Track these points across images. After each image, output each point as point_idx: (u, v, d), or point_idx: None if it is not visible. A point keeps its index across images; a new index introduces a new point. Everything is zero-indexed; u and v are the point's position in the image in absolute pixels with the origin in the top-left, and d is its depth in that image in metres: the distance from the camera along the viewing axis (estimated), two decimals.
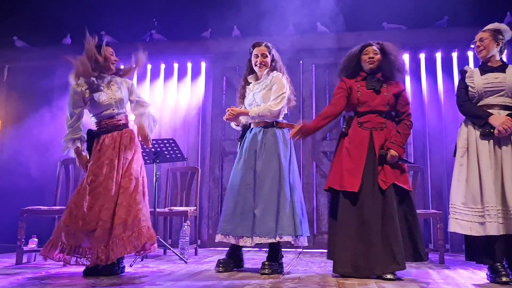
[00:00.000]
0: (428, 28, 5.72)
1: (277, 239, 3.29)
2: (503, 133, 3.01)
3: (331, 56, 5.73)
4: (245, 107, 3.65)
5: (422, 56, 5.70)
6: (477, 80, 3.18)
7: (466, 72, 3.30)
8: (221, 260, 3.46)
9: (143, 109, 3.54)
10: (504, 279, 2.92)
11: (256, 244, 3.31)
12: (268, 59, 3.57)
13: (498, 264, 2.99)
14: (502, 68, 3.20)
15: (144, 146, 3.58)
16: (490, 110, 3.12)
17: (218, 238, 3.45)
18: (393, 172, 3.23)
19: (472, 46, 3.33)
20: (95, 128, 3.42)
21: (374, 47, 3.39)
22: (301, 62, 5.93)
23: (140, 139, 3.50)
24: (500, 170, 3.02)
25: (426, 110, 5.59)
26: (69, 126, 3.38)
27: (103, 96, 3.37)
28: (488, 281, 3.05)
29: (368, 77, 3.39)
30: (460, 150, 3.19)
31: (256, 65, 3.58)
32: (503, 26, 3.28)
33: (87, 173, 3.31)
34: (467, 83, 3.23)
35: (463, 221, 3.04)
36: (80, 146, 3.41)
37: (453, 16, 5.57)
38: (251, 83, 3.64)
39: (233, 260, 3.51)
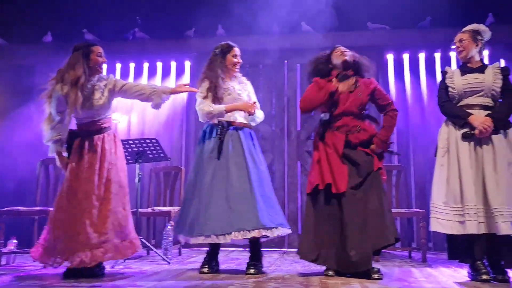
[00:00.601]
0: (411, 29, 5.75)
1: (275, 231, 3.29)
2: (483, 133, 3.04)
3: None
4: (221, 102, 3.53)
5: (405, 56, 5.73)
6: (457, 81, 3.22)
7: (446, 72, 3.33)
8: (206, 262, 3.42)
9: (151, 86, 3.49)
10: (484, 277, 2.95)
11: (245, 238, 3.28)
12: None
13: (479, 262, 3.01)
14: (481, 69, 3.24)
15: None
16: (470, 110, 3.15)
17: (201, 240, 3.29)
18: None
19: (453, 47, 3.36)
20: (77, 130, 3.36)
21: (342, 47, 3.44)
22: (285, 61, 5.92)
23: (185, 89, 3.53)
24: (481, 170, 3.05)
25: (409, 109, 5.62)
26: (51, 127, 3.31)
27: (85, 103, 3.29)
28: (469, 279, 3.07)
29: (340, 74, 3.38)
30: (441, 150, 3.21)
31: (235, 65, 3.59)
32: (481, 27, 3.32)
33: (66, 177, 3.26)
34: (448, 84, 3.27)
35: (444, 220, 3.06)
36: (61, 147, 3.35)
37: (436, 17, 5.60)
38: (226, 81, 3.56)
39: (215, 261, 3.48)
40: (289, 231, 3.41)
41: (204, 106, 3.46)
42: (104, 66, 5.95)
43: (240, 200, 3.28)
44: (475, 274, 3.02)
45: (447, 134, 3.21)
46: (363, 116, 3.41)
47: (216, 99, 3.47)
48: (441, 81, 3.35)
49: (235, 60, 3.58)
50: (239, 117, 3.54)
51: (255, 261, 3.40)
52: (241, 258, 4.29)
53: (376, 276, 3.06)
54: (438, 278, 3.16)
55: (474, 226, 2.96)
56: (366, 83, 3.40)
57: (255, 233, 3.21)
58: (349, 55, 3.39)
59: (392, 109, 3.41)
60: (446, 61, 5.50)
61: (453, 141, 3.17)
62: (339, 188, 3.18)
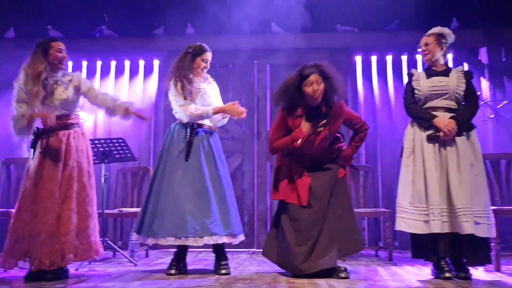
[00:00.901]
0: (379, 32, 5.84)
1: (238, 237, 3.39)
2: (448, 135, 3.11)
3: (286, 56, 5.75)
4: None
5: (373, 58, 5.81)
6: (423, 83, 3.28)
7: (413, 75, 3.39)
8: (173, 263, 3.38)
9: (115, 100, 3.40)
10: (447, 275, 3.02)
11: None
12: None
13: (442, 260, 3.08)
14: (446, 72, 3.31)
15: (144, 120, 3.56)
16: (435, 112, 3.22)
17: (170, 241, 3.26)
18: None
19: (419, 50, 3.42)
20: (41, 127, 3.26)
21: (316, 76, 3.14)
22: (255, 62, 5.91)
23: (136, 115, 3.43)
24: (445, 171, 3.11)
25: (377, 111, 5.70)
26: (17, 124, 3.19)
27: (48, 98, 3.23)
28: (433, 277, 3.14)
29: (310, 113, 3.21)
30: (407, 150, 3.27)
31: (202, 69, 3.53)
32: (446, 30, 3.38)
33: (28, 175, 3.16)
34: (414, 86, 3.33)
35: (409, 219, 3.13)
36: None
37: (403, 20, 5.71)
38: (195, 82, 3.51)
39: (183, 262, 3.45)
40: (243, 238, 3.45)
41: (190, 107, 3.38)
42: (70, 64, 5.87)
43: (213, 204, 3.29)
44: (438, 272, 3.09)
45: (413, 135, 3.27)
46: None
47: (189, 99, 3.42)
48: (407, 84, 3.41)
49: (204, 64, 3.52)
50: (207, 120, 3.52)
51: (225, 260, 3.40)
52: (209, 259, 4.26)
53: (342, 274, 3.09)
54: (403, 277, 3.21)
55: (438, 226, 3.03)
56: (336, 115, 3.22)
57: (225, 239, 3.28)
58: (320, 93, 3.13)
59: (364, 129, 3.36)
60: (412, 64, 5.60)
61: (418, 142, 3.23)
62: (302, 202, 3.23)
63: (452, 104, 3.25)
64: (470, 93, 3.26)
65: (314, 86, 3.13)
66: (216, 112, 3.44)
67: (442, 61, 3.36)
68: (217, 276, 3.25)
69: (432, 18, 5.15)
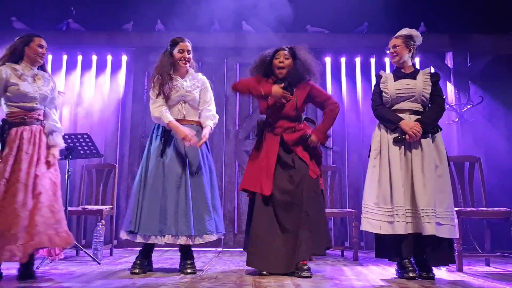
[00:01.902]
0: (349, 33, 5.91)
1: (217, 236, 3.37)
2: (413, 138, 3.16)
3: (256, 55, 5.69)
4: (167, 100, 3.42)
5: (343, 60, 5.87)
6: (391, 86, 3.32)
7: (381, 77, 3.43)
8: (137, 262, 3.32)
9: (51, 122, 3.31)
10: (411, 274, 3.07)
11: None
12: (191, 56, 3.54)
13: (406, 260, 3.13)
14: (413, 74, 3.35)
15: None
16: (401, 115, 3.26)
17: (139, 239, 3.26)
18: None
19: (387, 52, 3.45)
20: (12, 118, 3.14)
21: (285, 52, 3.43)
22: (225, 60, 5.88)
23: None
24: (410, 172, 3.16)
25: (345, 112, 5.76)
26: None
27: (28, 87, 3.16)
28: (397, 277, 3.18)
29: (277, 82, 3.41)
30: (373, 152, 3.31)
31: (181, 60, 3.47)
32: (414, 32, 3.41)
33: (2, 167, 3.04)
34: (381, 88, 3.37)
35: (374, 220, 3.16)
36: None
37: (372, 23, 5.79)
38: (176, 77, 3.48)
39: (148, 261, 3.39)
40: (215, 238, 3.37)
41: (154, 109, 3.39)
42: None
43: (178, 203, 3.25)
44: (402, 272, 3.13)
45: (379, 137, 3.32)
46: (300, 119, 3.46)
47: (164, 96, 3.40)
48: (375, 85, 3.45)
49: (181, 55, 3.47)
50: (188, 116, 3.47)
51: (190, 259, 3.36)
52: (175, 258, 4.20)
53: (305, 273, 3.10)
54: (368, 276, 3.24)
55: (402, 227, 3.07)
56: (301, 87, 3.42)
57: (182, 240, 3.24)
58: (286, 66, 3.40)
59: (331, 102, 3.46)
60: (380, 66, 5.69)
61: (385, 144, 3.27)
62: (264, 191, 3.26)
63: (418, 107, 3.29)
64: (436, 95, 3.32)
65: (280, 59, 3.42)
66: (171, 127, 3.36)
67: (410, 63, 3.39)
68: (182, 275, 3.20)
69: (400, 22, 5.21)
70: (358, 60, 5.83)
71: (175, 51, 3.48)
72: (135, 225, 3.26)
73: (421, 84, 3.28)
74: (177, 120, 3.40)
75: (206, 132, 3.42)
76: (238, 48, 5.80)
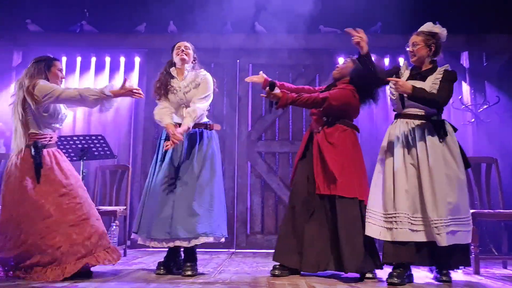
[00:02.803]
0: None
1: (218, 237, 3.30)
2: (397, 87, 2.98)
3: (268, 56, 5.73)
4: (169, 103, 3.43)
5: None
6: None
7: (399, 68, 3.26)
8: (161, 262, 3.33)
9: None
10: (392, 280, 2.93)
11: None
12: (191, 53, 3.47)
13: (398, 269, 3.00)
14: (426, 74, 3.13)
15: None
16: (406, 120, 3.11)
17: (153, 244, 3.25)
18: (327, 178, 3.25)
19: (407, 49, 3.23)
20: (38, 139, 3.15)
21: (349, 59, 3.54)
22: (238, 61, 5.87)
23: None
24: (418, 178, 3.00)
25: (374, 114, 5.64)
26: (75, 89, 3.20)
27: (63, 110, 3.27)
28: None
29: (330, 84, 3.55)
30: (380, 156, 3.20)
31: (178, 55, 3.42)
32: (437, 29, 3.19)
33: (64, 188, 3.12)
34: (390, 87, 3.17)
35: (374, 225, 3.04)
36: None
37: (386, 23, 5.73)
38: (174, 78, 3.45)
39: (175, 263, 3.37)
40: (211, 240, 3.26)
41: (155, 112, 3.43)
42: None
43: (167, 206, 3.24)
44: (387, 277, 3.02)
45: (386, 142, 3.18)
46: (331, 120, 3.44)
47: (165, 98, 3.43)
48: (395, 68, 3.28)
49: (176, 51, 3.45)
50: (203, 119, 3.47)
51: (191, 262, 3.30)
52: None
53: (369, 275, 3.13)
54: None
55: (403, 234, 2.94)
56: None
57: (178, 242, 3.20)
58: (336, 72, 3.52)
59: (321, 95, 3.34)
60: None
61: (390, 150, 3.13)
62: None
63: (419, 111, 3.09)
64: (439, 89, 3.05)
65: (340, 64, 3.58)
66: (168, 129, 3.32)
67: (428, 62, 3.17)
68: (194, 277, 3.18)
69: (414, 21, 5.16)
70: None
71: (174, 51, 3.49)
72: (137, 227, 3.33)
73: (427, 87, 3.05)
74: (179, 123, 3.35)
75: (179, 130, 3.24)
76: (250, 48, 5.79)
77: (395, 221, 2.97)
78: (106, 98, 3.18)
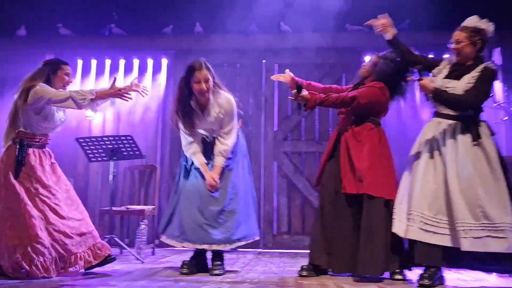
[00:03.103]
0: None
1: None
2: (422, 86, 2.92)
3: (294, 56, 5.72)
4: (195, 136, 3.39)
5: None
6: (439, 80, 3.03)
7: (441, 61, 3.11)
8: (186, 262, 3.33)
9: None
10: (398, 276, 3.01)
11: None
12: (211, 82, 3.26)
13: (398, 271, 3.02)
14: (464, 71, 2.95)
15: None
16: (438, 119, 3.03)
17: (184, 245, 3.26)
18: (353, 177, 3.21)
19: (450, 46, 3.02)
20: (25, 138, 3.18)
21: (375, 55, 3.52)
22: (263, 61, 5.87)
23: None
24: (444, 180, 2.88)
25: (402, 111, 5.59)
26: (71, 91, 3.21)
27: (59, 114, 3.30)
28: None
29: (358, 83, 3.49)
30: (410, 155, 3.13)
31: (199, 93, 3.25)
32: (483, 24, 2.96)
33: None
34: (434, 73, 3.09)
35: (399, 222, 2.99)
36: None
37: (414, 20, 5.64)
38: (196, 112, 3.33)
39: (198, 263, 3.34)
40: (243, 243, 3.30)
41: (185, 150, 3.40)
42: (80, 62, 5.88)
43: (200, 212, 3.24)
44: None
45: (419, 141, 3.10)
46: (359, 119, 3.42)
47: (190, 133, 3.35)
48: (437, 60, 3.14)
49: (198, 87, 3.23)
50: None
51: (219, 261, 3.31)
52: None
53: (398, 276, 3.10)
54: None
55: (415, 232, 2.87)
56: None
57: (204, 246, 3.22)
58: (364, 71, 3.47)
59: (349, 94, 3.30)
60: None
61: (421, 148, 3.04)
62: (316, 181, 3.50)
63: (452, 111, 2.97)
64: (470, 89, 2.88)
65: (366, 62, 3.52)
66: (201, 168, 3.37)
67: (471, 58, 2.96)
68: (222, 276, 3.20)
69: (443, 18, 5.08)
70: None
71: (192, 82, 3.25)
72: (163, 228, 3.34)
73: (461, 87, 2.90)
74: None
75: (215, 177, 3.26)
76: (276, 48, 5.78)
77: (411, 218, 2.90)
78: (94, 100, 3.19)
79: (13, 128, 3.19)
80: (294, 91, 3.16)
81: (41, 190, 3.15)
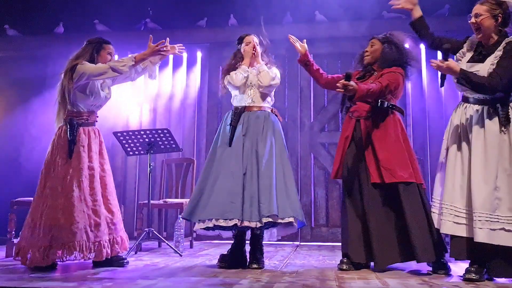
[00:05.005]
0: (428, 17, 5.54)
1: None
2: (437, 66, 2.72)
3: (330, 45, 5.62)
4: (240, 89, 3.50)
5: (422, 46, 5.57)
6: (463, 64, 2.85)
7: (465, 42, 2.94)
8: (224, 255, 3.30)
9: None
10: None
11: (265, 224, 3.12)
12: (259, 48, 3.60)
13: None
14: (488, 52, 2.77)
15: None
16: (465, 104, 2.87)
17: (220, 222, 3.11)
18: (381, 166, 3.11)
19: (469, 21, 2.81)
20: (74, 117, 3.25)
21: (372, 40, 3.38)
22: None
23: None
24: (468, 169, 2.76)
25: (426, 100, 5.48)
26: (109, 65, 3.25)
27: (105, 91, 3.36)
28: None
29: (365, 69, 3.40)
30: (443, 147, 3.01)
31: (247, 54, 3.52)
32: None
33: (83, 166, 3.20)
34: (458, 57, 2.93)
35: (435, 214, 2.94)
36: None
37: (454, 4, 5.46)
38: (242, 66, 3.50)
39: (236, 257, 3.29)
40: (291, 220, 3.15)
41: (234, 80, 3.44)
42: (116, 57, 5.96)
43: (245, 188, 3.18)
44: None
45: (448, 133, 2.95)
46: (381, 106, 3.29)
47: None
48: (463, 42, 2.96)
49: (247, 48, 3.54)
50: (257, 102, 3.44)
51: (258, 254, 3.27)
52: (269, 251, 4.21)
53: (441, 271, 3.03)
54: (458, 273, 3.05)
55: (447, 226, 2.78)
56: (386, 71, 3.30)
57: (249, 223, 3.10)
58: (371, 52, 3.35)
59: (378, 87, 3.16)
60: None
61: (450, 140, 2.92)
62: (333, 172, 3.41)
63: (479, 95, 2.78)
64: (494, 69, 2.68)
65: (367, 47, 3.37)
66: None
67: (495, 36, 2.77)
68: (261, 270, 3.18)
69: None
70: None
71: (244, 45, 3.56)
72: (190, 211, 3.25)
73: (485, 69, 2.70)
74: (245, 106, 3.42)
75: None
76: (311, 39, 5.64)
77: (443, 213, 2.81)
78: (135, 65, 3.27)
79: (63, 108, 3.26)
80: (342, 81, 2.94)
81: (85, 171, 3.20)
